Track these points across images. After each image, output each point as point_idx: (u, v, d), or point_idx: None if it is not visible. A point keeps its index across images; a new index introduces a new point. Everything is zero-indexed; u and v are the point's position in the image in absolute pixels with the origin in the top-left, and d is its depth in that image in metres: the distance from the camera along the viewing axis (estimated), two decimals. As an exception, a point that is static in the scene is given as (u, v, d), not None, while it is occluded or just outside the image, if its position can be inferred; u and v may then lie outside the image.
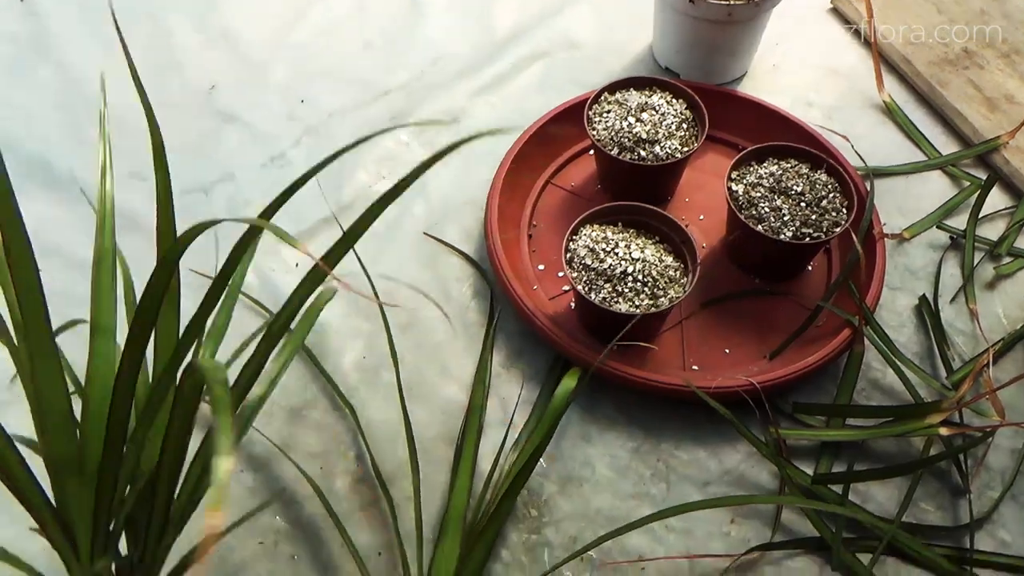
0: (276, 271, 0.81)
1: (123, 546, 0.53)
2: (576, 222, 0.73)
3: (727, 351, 0.76)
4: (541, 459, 0.70)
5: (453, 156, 0.88)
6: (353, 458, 0.70)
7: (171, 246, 0.42)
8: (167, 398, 0.45)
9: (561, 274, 0.80)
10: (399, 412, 0.70)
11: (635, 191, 0.80)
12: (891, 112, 0.94)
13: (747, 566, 0.66)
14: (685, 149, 0.79)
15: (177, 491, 0.50)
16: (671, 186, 0.85)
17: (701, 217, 0.85)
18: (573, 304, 0.78)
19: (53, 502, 0.48)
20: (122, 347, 0.43)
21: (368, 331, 0.77)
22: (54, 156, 0.88)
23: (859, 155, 0.87)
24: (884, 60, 0.98)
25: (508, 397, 0.74)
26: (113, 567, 0.50)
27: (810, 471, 0.70)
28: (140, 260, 0.64)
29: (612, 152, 0.79)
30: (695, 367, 0.75)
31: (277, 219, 0.41)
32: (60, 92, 0.94)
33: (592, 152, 0.89)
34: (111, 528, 0.49)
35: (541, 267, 0.81)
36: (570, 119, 0.86)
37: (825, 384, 0.75)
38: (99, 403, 0.49)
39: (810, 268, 0.81)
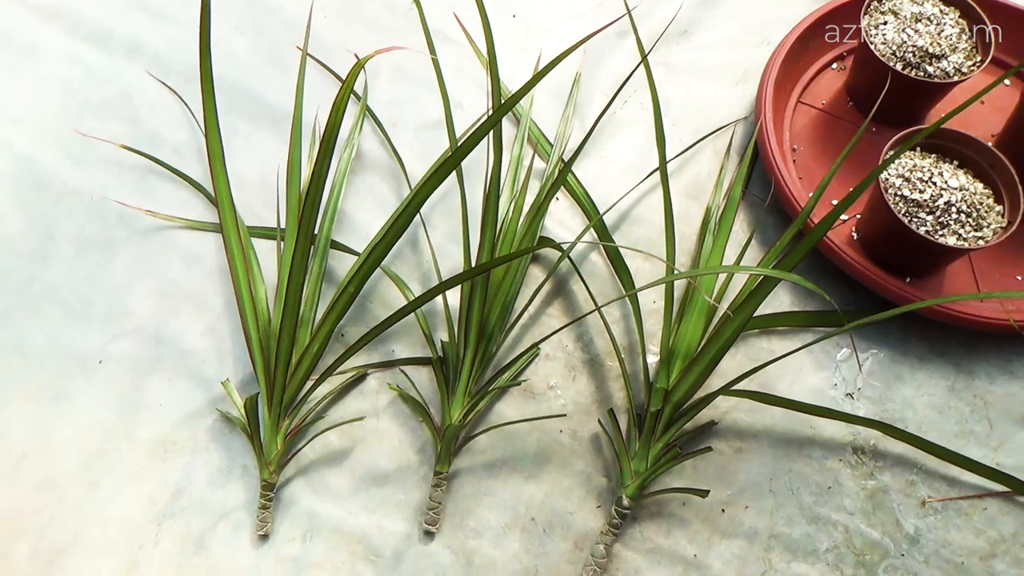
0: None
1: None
2: (886, 150, 0.68)
3: (1019, 278, 0.73)
4: (859, 400, 0.67)
5: (691, 77, 0.82)
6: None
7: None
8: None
9: (835, 201, 0.75)
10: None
11: (902, 109, 0.75)
12: None
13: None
14: (970, 64, 0.74)
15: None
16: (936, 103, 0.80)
17: (960, 134, 0.80)
18: (855, 234, 0.73)
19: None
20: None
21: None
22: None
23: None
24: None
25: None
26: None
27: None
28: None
29: (897, 68, 0.73)
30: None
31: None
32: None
33: (836, 67, 0.83)
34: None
35: (809, 194, 0.76)
36: (818, 30, 0.79)
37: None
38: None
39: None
